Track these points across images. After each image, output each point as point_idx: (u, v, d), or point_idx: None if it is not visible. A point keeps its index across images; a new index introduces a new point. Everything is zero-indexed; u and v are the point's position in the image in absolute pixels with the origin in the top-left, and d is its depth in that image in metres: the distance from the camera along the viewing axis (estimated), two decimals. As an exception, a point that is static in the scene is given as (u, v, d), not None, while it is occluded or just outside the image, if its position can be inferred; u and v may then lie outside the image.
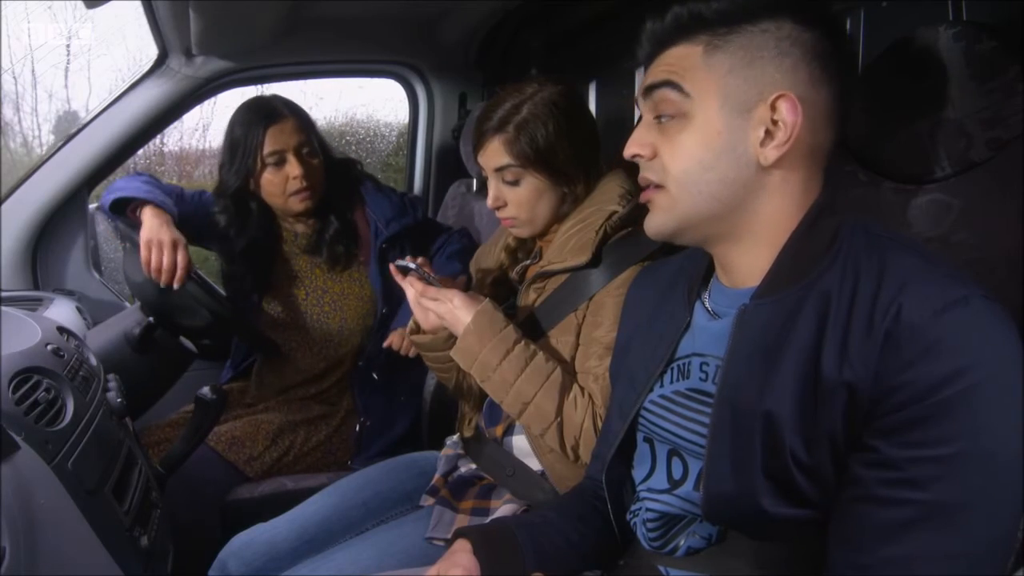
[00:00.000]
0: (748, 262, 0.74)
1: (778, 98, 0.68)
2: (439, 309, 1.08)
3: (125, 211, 1.52)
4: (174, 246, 1.42)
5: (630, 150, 0.75)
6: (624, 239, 1.09)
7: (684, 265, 0.86)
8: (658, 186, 0.74)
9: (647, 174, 0.75)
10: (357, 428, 1.59)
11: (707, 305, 0.79)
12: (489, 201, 1.15)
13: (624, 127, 1.66)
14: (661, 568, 0.80)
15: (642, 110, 0.76)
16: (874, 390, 0.61)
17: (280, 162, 1.52)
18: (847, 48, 0.71)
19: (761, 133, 0.69)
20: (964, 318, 0.60)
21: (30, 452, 0.76)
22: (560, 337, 1.10)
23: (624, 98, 1.92)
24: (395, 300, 1.61)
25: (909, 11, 1.15)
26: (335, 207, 1.62)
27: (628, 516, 0.86)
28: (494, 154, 1.12)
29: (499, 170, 1.12)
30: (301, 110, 1.58)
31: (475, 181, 2.06)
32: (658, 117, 0.73)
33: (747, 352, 0.70)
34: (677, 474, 0.80)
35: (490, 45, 2.08)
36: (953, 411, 0.58)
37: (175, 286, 1.41)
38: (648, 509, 0.81)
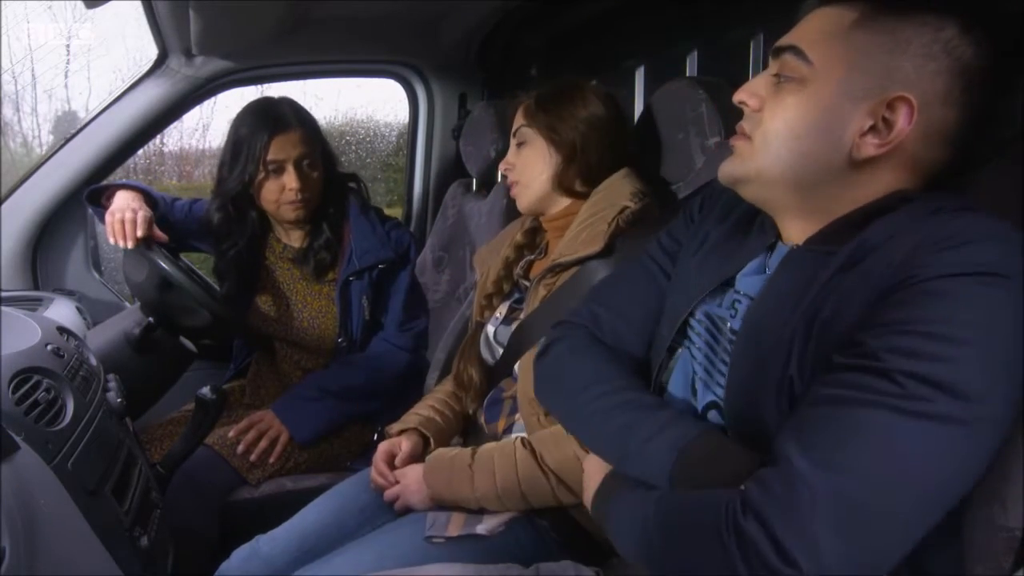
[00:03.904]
0: (807, 230, 0.73)
1: (897, 98, 0.65)
2: (403, 504, 1.17)
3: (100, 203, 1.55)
4: (135, 212, 1.44)
5: (739, 96, 0.74)
6: (635, 236, 1.10)
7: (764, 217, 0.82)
8: (747, 137, 0.73)
9: (744, 123, 0.74)
10: (376, 437, 1.59)
11: (768, 260, 0.77)
12: (502, 162, 1.25)
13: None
14: None
15: (770, 64, 0.74)
16: (874, 315, 0.59)
17: (279, 171, 1.50)
18: (1006, 78, 0.67)
19: (866, 124, 0.66)
20: (988, 228, 0.58)
21: (30, 452, 0.76)
22: None
23: (624, 98, 1.92)
24: (351, 330, 1.60)
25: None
26: (329, 219, 1.60)
27: None
28: (517, 118, 1.23)
29: (514, 134, 1.23)
30: (309, 119, 1.56)
31: (475, 181, 2.07)
32: (778, 75, 0.71)
33: (780, 290, 0.70)
34: (682, 393, 0.81)
35: (490, 45, 2.08)
36: (947, 299, 0.56)
37: (129, 245, 1.43)
38: None
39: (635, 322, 0.89)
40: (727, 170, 0.75)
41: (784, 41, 0.71)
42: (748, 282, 0.77)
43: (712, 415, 0.77)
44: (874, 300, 0.60)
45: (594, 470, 0.83)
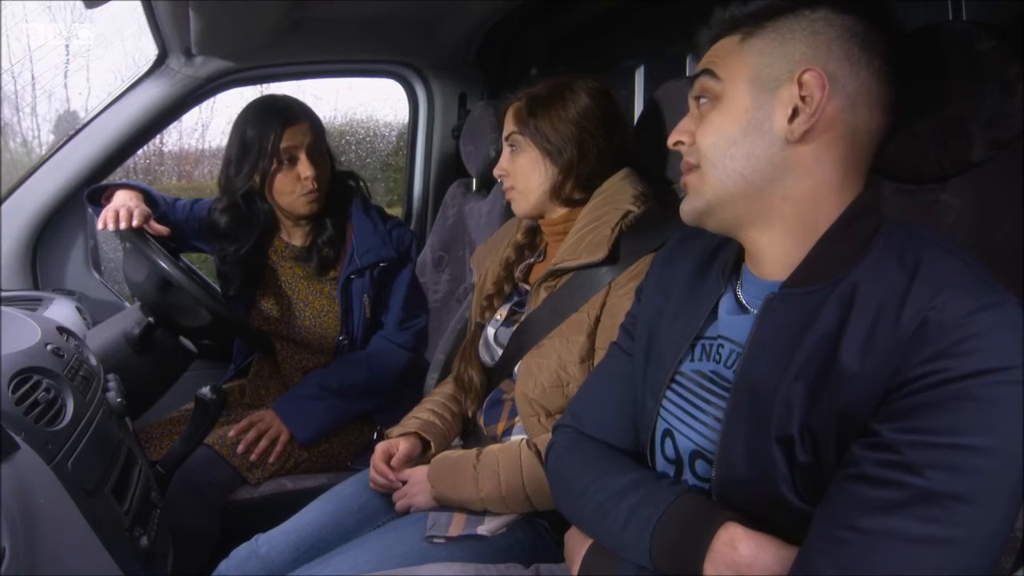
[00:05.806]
0: (778, 251, 0.74)
1: (804, 72, 0.69)
2: (406, 503, 1.18)
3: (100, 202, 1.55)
4: (131, 209, 1.43)
5: (672, 139, 0.78)
6: (638, 239, 1.10)
7: (722, 244, 0.84)
8: (694, 167, 0.76)
9: (687, 158, 0.77)
10: (375, 436, 1.59)
11: (739, 294, 0.78)
12: (496, 168, 1.22)
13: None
14: None
15: (689, 103, 0.79)
16: (892, 380, 0.60)
17: (292, 160, 1.52)
18: (891, 29, 0.71)
19: (789, 109, 0.70)
20: (999, 319, 0.59)
21: (30, 452, 0.76)
22: (571, 336, 1.10)
23: (624, 98, 1.92)
24: (352, 329, 1.61)
25: (909, 11, 1.15)
26: (333, 215, 1.62)
27: None
28: (507, 121, 1.20)
29: (507, 137, 1.19)
30: (313, 114, 1.58)
31: (475, 181, 2.07)
32: (698, 99, 0.76)
33: (769, 340, 0.70)
34: (670, 454, 0.81)
35: (490, 45, 2.09)
36: (972, 405, 0.57)
37: (122, 227, 1.42)
38: None
39: (623, 406, 0.90)
40: (687, 209, 0.77)
41: (697, 71, 0.78)
42: (730, 325, 0.77)
43: (700, 466, 0.77)
44: (907, 343, 0.60)
45: (576, 542, 0.85)
